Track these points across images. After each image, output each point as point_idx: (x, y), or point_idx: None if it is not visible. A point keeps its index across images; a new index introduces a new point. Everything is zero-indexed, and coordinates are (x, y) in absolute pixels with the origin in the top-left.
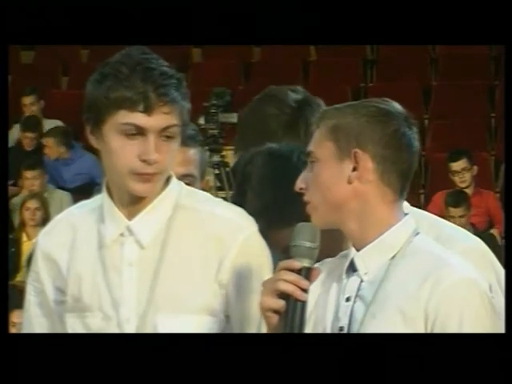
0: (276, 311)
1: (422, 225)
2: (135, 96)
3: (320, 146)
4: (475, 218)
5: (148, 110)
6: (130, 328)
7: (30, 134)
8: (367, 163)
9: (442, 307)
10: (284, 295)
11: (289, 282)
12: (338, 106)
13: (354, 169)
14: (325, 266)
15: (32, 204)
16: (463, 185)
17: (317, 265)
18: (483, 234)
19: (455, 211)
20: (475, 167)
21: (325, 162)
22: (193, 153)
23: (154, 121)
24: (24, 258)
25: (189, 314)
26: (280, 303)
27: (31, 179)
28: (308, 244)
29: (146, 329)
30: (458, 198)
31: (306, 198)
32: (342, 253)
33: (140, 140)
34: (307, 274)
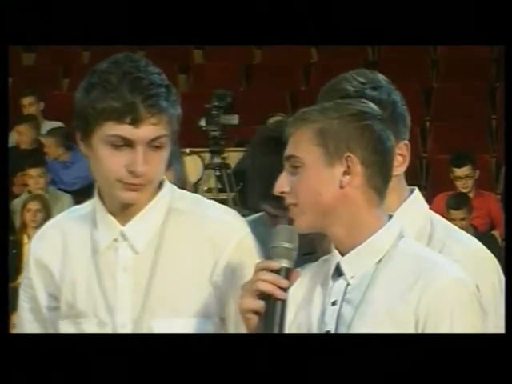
0: (256, 312)
1: (435, 225)
2: (123, 107)
3: (305, 150)
4: (476, 220)
5: (136, 122)
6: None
7: (21, 128)
8: (357, 168)
9: (432, 309)
10: (263, 296)
11: (268, 282)
12: (317, 107)
13: (345, 173)
14: (306, 271)
15: (33, 205)
16: (465, 190)
17: (297, 269)
18: (484, 236)
19: (456, 214)
20: (477, 171)
21: (313, 166)
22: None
23: (142, 132)
24: (25, 259)
25: (184, 317)
26: (260, 304)
27: (36, 177)
28: (286, 244)
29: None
30: (460, 201)
31: (289, 201)
32: (323, 257)
33: (128, 151)
34: (286, 274)
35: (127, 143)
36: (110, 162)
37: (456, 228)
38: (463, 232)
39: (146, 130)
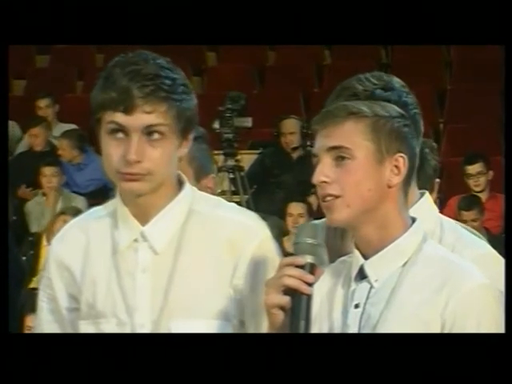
0: (282, 308)
1: (444, 229)
2: (117, 96)
3: (357, 143)
4: (490, 222)
5: (128, 109)
6: None
7: (34, 131)
8: (405, 169)
9: (460, 312)
10: (289, 291)
11: (293, 277)
12: (365, 102)
13: (393, 173)
14: (326, 271)
15: (69, 219)
16: (477, 189)
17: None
18: (497, 238)
19: (467, 215)
20: (491, 172)
21: (364, 161)
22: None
23: (135, 120)
24: (43, 261)
25: (203, 319)
26: (285, 299)
27: (49, 176)
28: (309, 240)
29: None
30: (470, 202)
31: (330, 192)
32: (340, 258)
33: (124, 140)
34: (311, 269)
35: (123, 131)
36: (109, 152)
37: (466, 231)
38: (474, 235)
39: (139, 118)
